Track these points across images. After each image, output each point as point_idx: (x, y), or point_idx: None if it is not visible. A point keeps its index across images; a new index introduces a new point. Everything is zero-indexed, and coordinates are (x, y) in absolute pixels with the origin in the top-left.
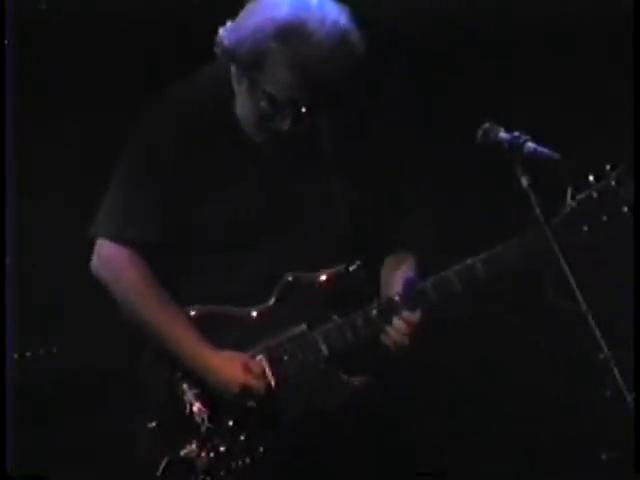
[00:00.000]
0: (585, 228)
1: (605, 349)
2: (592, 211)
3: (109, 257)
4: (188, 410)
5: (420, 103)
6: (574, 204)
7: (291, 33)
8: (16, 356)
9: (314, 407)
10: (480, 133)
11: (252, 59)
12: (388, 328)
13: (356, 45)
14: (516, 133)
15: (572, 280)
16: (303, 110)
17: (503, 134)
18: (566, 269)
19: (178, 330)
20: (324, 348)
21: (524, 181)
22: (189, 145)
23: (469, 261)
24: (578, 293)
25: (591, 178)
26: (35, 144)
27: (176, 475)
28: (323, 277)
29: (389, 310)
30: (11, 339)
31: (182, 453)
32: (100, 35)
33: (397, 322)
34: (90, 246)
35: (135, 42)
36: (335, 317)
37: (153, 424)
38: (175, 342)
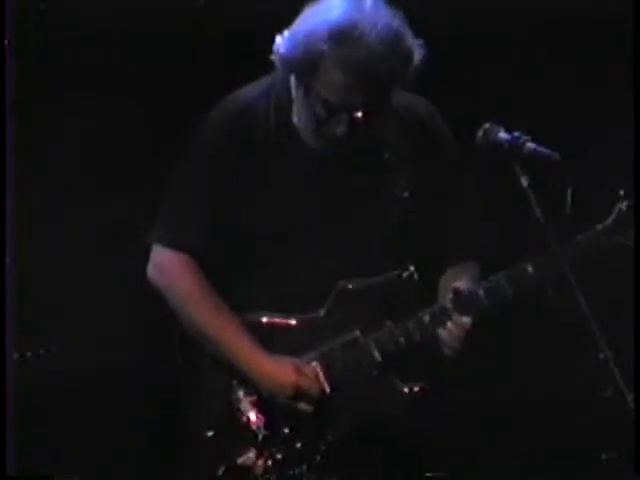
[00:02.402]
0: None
1: (605, 349)
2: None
3: (163, 264)
4: (245, 419)
5: None
6: (624, 208)
7: (344, 35)
8: (16, 356)
9: (369, 413)
10: (480, 133)
11: (306, 64)
12: (441, 332)
13: (409, 48)
14: (516, 133)
15: (572, 281)
16: (358, 114)
17: (503, 134)
18: (565, 267)
19: (233, 336)
20: (377, 354)
21: (524, 181)
22: (248, 154)
23: (521, 265)
24: (578, 293)
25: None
26: (35, 144)
27: None
28: (376, 283)
29: (441, 315)
30: (11, 339)
31: (239, 461)
32: (100, 35)
33: (450, 326)
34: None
35: (135, 42)
36: (388, 322)
37: (210, 433)
38: (229, 348)
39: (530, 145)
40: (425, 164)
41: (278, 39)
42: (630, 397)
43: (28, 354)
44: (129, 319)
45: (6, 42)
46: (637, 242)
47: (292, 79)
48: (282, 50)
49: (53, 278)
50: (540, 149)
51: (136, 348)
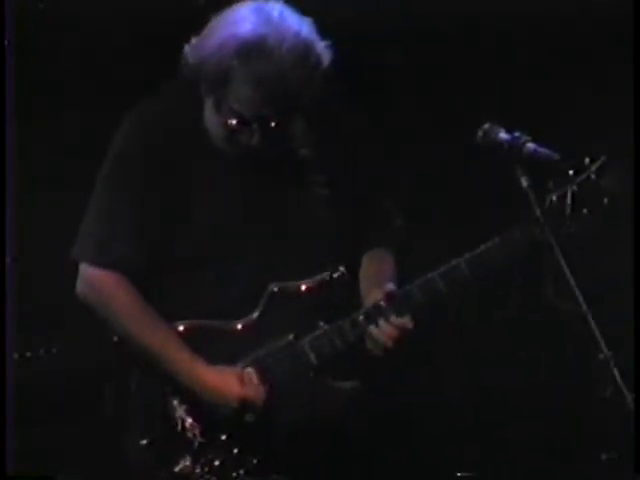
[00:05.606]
0: (567, 222)
1: (605, 349)
2: (572, 205)
3: (94, 281)
4: (180, 426)
5: (420, 103)
6: (554, 199)
7: (252, 51)
8: (16, 356)
9: (306, 415)
10: (480, 134)
11: (216, 77)
12: (374, 331)
13: (319, 56)
14: (516, 133)
15: (572, 281)
16: (271, 125)
17: (503, 134)
18: (564, 268)
19: (172, 350)
20: (312, 357)
21: (524, 181)
22: (164, 162)
23: (453, 262)
24: (577, 293)
25: (571, 172)
26: (35, 144)
27: None
28: (307, 285)
29: (376, 315)
30: (11, 339)
31: (176, 469)
32: (100, 35)
33: (384, 326)
34: None
35: (135, 41)
36: (322, 324)
37: (145, 441)
38: (170, 362)
39: (530, 145)
40: (339, 160)
41: (186, 48)
42: (630, 397)
43: (28, 354)
44: None
45: (6, 42)
46: (637, 241)
47: (202, 86)
48: (191, 60)
49: (53, 278)
50: (540, 149)
51: (125, 365)
